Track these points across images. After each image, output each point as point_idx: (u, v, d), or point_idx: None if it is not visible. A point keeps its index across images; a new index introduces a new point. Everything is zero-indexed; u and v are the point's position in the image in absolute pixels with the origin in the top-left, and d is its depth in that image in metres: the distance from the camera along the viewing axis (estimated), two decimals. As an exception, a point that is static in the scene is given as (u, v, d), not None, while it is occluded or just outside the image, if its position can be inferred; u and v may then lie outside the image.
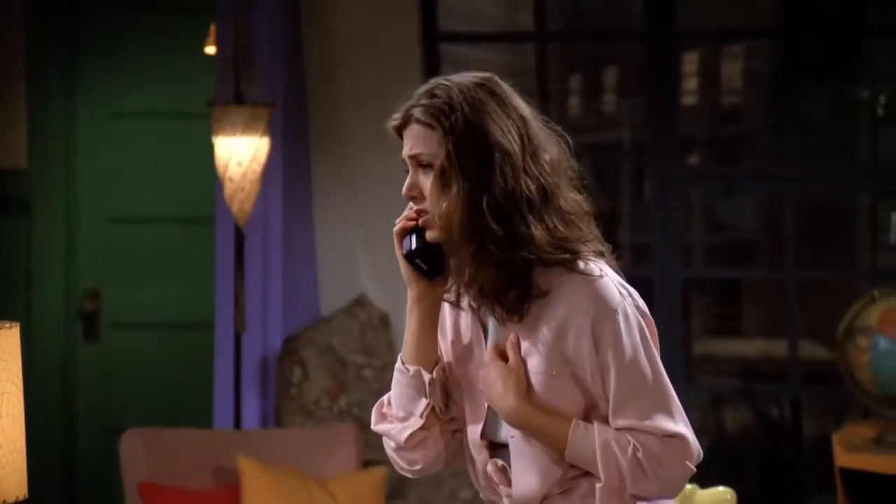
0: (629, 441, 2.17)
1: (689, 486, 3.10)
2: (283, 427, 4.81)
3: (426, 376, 2.27)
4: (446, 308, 2.32)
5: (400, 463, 2.34)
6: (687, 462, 2.20)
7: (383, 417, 2.33)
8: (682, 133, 5.46)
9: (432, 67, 5.20)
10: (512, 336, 2.21)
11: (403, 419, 2.30)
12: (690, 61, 6.72)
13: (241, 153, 4.54)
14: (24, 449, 2.50)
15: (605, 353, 2.18)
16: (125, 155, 5.42)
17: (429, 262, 2.26)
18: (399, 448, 2.31)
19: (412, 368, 2.28)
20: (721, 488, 3.07)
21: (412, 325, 2.29)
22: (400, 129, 2.26)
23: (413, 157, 2.23)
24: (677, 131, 5.30)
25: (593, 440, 2.17)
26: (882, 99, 5.67)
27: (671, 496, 2.23)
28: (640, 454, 2.16)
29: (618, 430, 2.18)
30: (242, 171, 4.54)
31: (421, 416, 2.28)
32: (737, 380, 6.51)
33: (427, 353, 2.28)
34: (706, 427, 6.27)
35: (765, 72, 6.75)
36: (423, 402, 2.28)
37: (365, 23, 5.13)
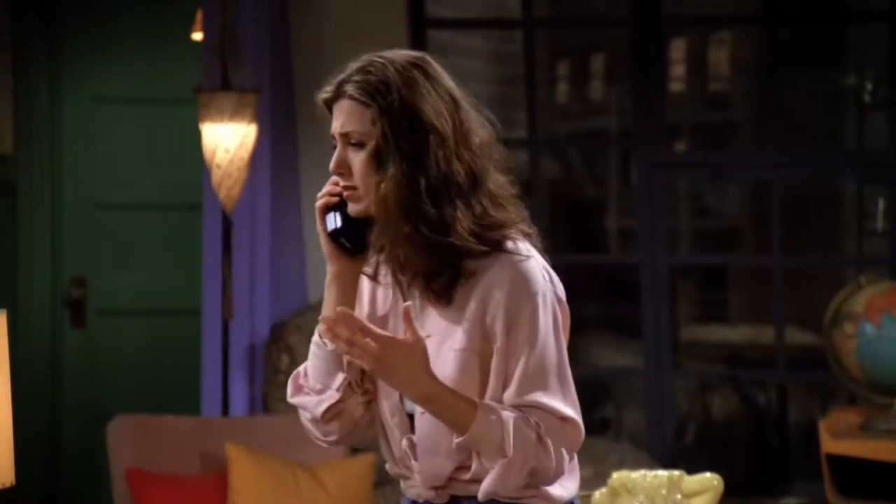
0: (531, 418, 2.18)
1: (676, 473, 3.10)
2: (271, 414, 4.81)
3: None
4: (364, 280, 2.32)
5: (316, 433, 2.34)
6: (574, 449, 2.23)
7: (299, 389, 2.33)
8: (668, 119, 5.46)
9: (419, 53, 5.19)
10: (405, 308, 2.18)
11: (320, 392, 2.30)
12: (677, 48, 6.73)
13: (228, 140, 4.53)
14: (10, 436, 2.50)
15: (519, 332, 2.19)
16: (112, 141, 5.41)
17: (352, 241, 2.27)
18: (315, 420, 2.32)
19: (330, 345, 2.27)
20: (708, 474, 3.08)
21: (330, 299, 2.30)
22: (330, 103, 2.25)
23: (344, 135, 2.23)
24: (664, 118, 5.30)
25: (500, 418, 2.16)
26: (868, 85, 5.68)
27: (555, 479, 2.23)
28: (542, 430, 2.18)
29: (516, 406, 2.19)
30: (230, 157, 4.53)
31: (337, 390, 2.29)
32: (723, 366, 6.52)
33: None
34: (693, 413, 6.28)
35: (752, 59, 6.75)
36: (340, 376, 2.28)
37: (352, 8, 5.12)
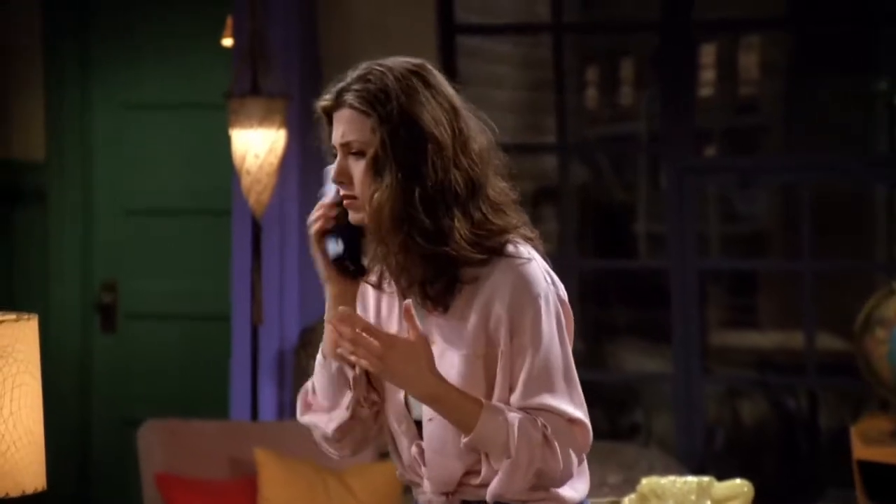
0: (537, 420, 2.18)
1: (705, 479, 3.10)
2: (300, 418, 4.82)
3: (350, 372, 2.28)
4: (369, 290, 2.32)
5: (327, 449, 2.36)
6: (582, 451, 2.22)
7: (308, 407, 2.35)
8: (698, 124, 5.44)
9: (448, 59, 5.20)
10: (405, 305, 2.18)
11: (330, 409, 2.32)
12: (707, 53, 6.70)
13: (257, 145, 4.54)
14: (42, 440, 2.51)
15: (522, 335, 2.19)
16: (142, 146, 5.44)
17: (355, 262, 2.27)
18: (326, 437, 2.34)
19: (335, 364, 2.28)
20: (738, 481, 3.07)
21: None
22: (329, 112, 2.25)
23: (344, 144, 2.22)
24: (693, 122, 5.28)
25: (505, 419, 2.16)
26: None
27: (563, 481, 2.22)
28: (548, 432, 2.17)
29: (522, 409, 2.18)
30: (259, 163, 4.54)
31: (347, 409, 2.30)
32: (753, 371, 6.49)
33: None
34: (722, 419, 6.26)
35: (781, 63, 6.73)
36: (349, 394, 2.29)
37: (381, 14, 5.13)
